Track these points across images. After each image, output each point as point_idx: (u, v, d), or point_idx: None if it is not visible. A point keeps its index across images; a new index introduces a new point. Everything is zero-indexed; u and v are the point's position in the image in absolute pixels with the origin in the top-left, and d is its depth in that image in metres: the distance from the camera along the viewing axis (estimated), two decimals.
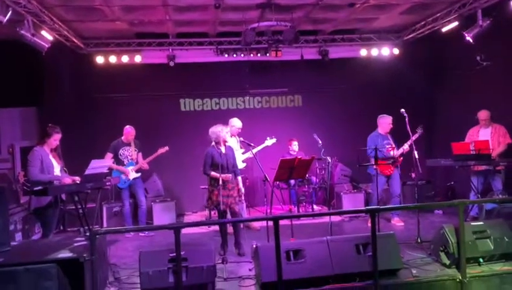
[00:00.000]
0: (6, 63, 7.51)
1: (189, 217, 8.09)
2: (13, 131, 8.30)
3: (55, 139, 4.80)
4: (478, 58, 6.97)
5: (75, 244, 3.91)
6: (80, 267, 3.48)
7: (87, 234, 4.18)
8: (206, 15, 6.91)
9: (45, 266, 3.37)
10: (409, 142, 5.97)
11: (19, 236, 5.89)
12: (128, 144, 6.60)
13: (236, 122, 6.39)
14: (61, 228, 6.75)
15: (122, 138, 6.60)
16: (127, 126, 6.64)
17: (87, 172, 4.52)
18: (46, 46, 6.16)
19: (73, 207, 4.73)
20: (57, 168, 4.79)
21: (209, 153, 5.25)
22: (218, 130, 5.25)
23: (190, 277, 3.82)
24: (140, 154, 6.66)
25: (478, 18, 6.26)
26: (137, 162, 6.58)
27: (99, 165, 4.74)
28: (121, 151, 6.52)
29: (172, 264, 3.80)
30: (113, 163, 6.39)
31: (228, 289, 4.05)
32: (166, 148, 6.71)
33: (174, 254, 3.56)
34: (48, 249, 3.79)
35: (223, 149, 5.24)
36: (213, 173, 5.19)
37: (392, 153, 6.33)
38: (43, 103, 7.93)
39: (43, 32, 6.20)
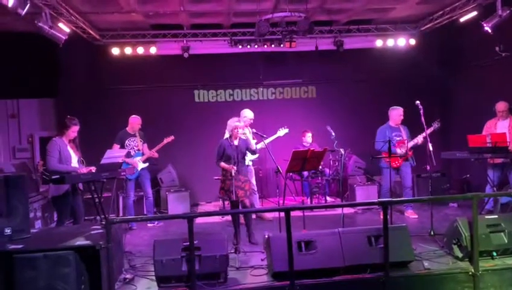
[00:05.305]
0: (26, 55, 7.69)
1: (203, 207, 8.19)
2: (32, 121, 8.52)
3: (74, 130, 4.91)
4: (497, 48, 6.83)
5: (92, 232, 4.01)
6: (96, 254, 3.58)
7: (103, 222, 4.28)
8: (220, 6, 6.92)
9: (63, 253, 3.49)
10: (422, 135, 5.90)
11: (38, 223, 6.07)
12: (134, 135, 6.54)
13: (248, 113, 6.41)
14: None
15: (127, 128, 6.55)
16: (133, 115, 6.58)
17: (102, 162, 4.62)
18: (63, 38, 6.25)
19: (90, 196, 4.84)
20: (74, 159, 4.90)
21: (222, 145, 5.33)
22: (230, 123, 5.30)
23: (203, 266, 3.88)
24: (145, 145, 6.63)
25: (497, 8, 6.10)
26: (143, 153, 6.58)
27: (114, 155, 4.83)
28: (127, 142, 6.48)
29: (185, 253, 3.87)
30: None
31: (240, 278, 4.11)
32: (172, 137, 6.69)
33: (188, 243, 3.63)
34: (66, 236, 3.90)
35: (236, 142, 5.28)
36: (222, 164, 5.26)
37: (398, 150, 6.25)
38: (60, 94, 8.09)
39: (61, 25, 6.29)
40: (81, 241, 3.70)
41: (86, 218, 6.90)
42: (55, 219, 6.35)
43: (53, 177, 4.43)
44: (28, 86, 8.01)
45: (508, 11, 6.07)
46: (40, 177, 6.62)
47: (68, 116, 4.97)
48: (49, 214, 6.41)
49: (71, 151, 4.90)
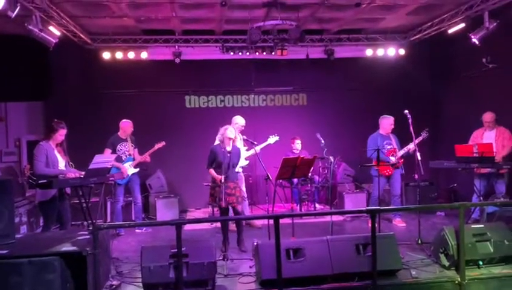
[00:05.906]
0: (14, 57, 7.61)
1: (193, 214, 8.14)
2: (20, 125, 8.41)
3: (61, 134, 4.86)
4: (484, 60, 6.95)
5: (78, 238, 3.97)
6: (83, 260, 3.55)
7: (90, 228, 4.24)
8: (212, 12, 6.94)
9: (48, 259, 3.44)
10: (413, 144, 5.96)
11: (23, 229, 5.97)
12: (125, 140, 6.51)
13: (239, 120, 6.42)
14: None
15: (119, 133, 6.52)
16: (124, 120, 6.54)
17: (90, 166, 4.58)
18: (54, 41, 6.21)
19: (77, 201, 4.79)
20: (61, 163, 4.85)
21: (213, 151, 5.32)
22: (223, 129, 5.30)
23: (191, 273, 3.87)
24: (136, 150, 6.59)
25: (485, 20, 6.23)
26: (134, 158, 6.54)
27: (102, 160, 4.79)
28: (118, 147, 6.44)
29: (173, 259, 3.85)
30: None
31: (228, 285, 4.09)
32: (163, 143, 6.68)
33: (176, 250, 3.61)
34: (52, 242, 3.86)
35: (228, 148, 5.28)
36: (211, 172, 5.27)
37: (391, 158, 6.32)
38: (50, 98, 8.02)
39: (51, 28, 6.26)
40: (67, 247, 3.66)
41: (72, 223, 6.83)
42: (41, 224, 6.26)
43: (40, 181, 4.37)
44: (17, 88, 7.92)
45: (495, 24, 6.19)
46: (27, 181, 6.53)
47: (55, 120, 4.92)
48: (34, 219, 6.32)
49: (58, 156, 4.84)
